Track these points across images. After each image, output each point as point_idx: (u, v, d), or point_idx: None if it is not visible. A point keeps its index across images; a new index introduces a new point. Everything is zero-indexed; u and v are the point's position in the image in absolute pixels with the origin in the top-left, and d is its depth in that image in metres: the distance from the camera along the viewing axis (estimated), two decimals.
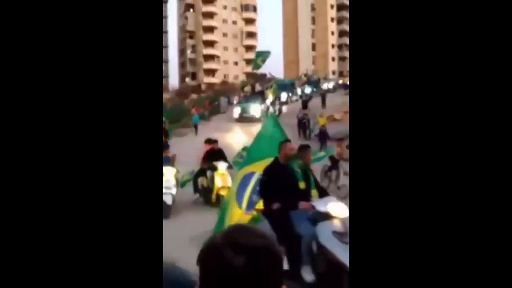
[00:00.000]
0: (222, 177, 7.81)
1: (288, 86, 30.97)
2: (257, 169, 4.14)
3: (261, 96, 25.74)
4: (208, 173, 8.18)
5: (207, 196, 8.10)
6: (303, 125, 17.89)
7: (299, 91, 31.71)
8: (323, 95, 26.24)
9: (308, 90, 31.84)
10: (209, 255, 0.74)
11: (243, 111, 23.32)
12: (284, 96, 28.56)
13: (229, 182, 7.25)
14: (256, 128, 18.20)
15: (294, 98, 29.96)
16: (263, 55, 28.82)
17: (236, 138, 15.31)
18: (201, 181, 8.45)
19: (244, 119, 22.45)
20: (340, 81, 40.58)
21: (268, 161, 3.97)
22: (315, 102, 26.08)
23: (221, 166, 8.10)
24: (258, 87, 31.39)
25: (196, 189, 8.54)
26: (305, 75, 43.13)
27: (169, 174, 7.57)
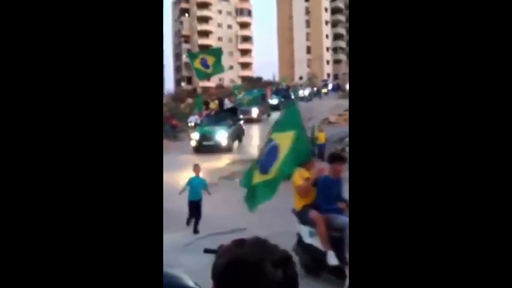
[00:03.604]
0: None
1: (258, 98, 25.65)
2: (278, 139, 4.71)
3: (231, 115, 18.62)
4: None
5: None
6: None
7: (270, 101, 27.61)
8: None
9: (275, 101, 28.08)
10: (243, 268, 0.75)
11: (203, 137, 16.07)
12: (255, 111, 23.23)
13: None
14: (221, 161, 13.57)
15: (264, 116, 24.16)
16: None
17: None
18: None
19: (205, 148, 15.69)
20: (314, 88, 38.22)
21: (289, 135, 4.57)
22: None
23: None
24: (227, 103, 24.47)
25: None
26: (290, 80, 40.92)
27: None
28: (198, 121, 20.25)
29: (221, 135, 16.07)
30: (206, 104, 24.86)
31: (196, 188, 7.23)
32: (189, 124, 21.18)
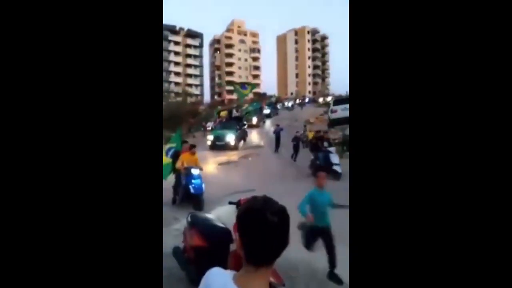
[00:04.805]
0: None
1: (257, 110, 31.90)
2: None
3: (238, 122, 21.90)
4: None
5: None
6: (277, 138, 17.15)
7: (264, 111, 34.00)
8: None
9: (267, 111, 34.97)
10: (252, 214, 1.08)
11: (217, 138, 18.87)
12: (254, 119, 28.20)
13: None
14: (230, 155, 16.76)
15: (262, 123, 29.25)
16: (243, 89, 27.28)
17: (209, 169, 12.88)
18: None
19: (218, 147, 18.40)
20: (298, 100, 48.37)
21: None
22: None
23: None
24: (235, 113, 28.48)
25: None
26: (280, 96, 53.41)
27: None
28: (213, 126, 24.33)
29: (230, 137, 18.89)
30: (219, 113, 28.93)
31: (322, 207, 4.23)
32: (208, 128, 25.78)
